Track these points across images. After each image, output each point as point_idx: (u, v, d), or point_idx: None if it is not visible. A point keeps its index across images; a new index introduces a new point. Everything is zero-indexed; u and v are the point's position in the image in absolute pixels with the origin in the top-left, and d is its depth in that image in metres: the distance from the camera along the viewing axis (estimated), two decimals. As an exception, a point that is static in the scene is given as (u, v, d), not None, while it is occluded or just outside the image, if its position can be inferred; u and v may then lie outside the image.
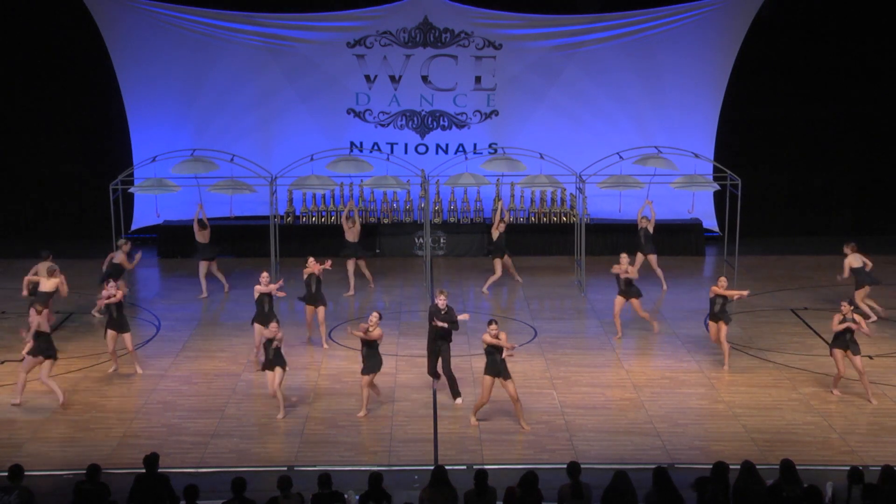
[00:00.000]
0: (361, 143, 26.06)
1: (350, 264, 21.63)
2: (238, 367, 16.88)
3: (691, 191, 23.06)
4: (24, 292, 18.26)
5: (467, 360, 17.26)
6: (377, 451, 13.68)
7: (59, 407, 15.09)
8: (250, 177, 22.13)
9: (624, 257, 18.63)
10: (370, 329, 14.79)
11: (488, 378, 14.29)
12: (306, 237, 24.83)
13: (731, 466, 12.19)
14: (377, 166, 23.29)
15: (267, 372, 15.07)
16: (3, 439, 14.05)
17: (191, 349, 17.95)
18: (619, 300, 18.44)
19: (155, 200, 23.28)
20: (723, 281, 17.00)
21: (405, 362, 17.15)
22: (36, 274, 18.23)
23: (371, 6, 25.22)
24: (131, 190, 22.95)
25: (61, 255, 22.71)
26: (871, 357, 17.26)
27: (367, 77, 25.76)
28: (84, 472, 11.46)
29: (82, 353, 17.65)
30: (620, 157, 22.58)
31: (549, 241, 25.21)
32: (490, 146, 26.02)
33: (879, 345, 17.93)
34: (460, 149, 26.02)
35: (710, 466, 11.45)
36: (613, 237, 25.13)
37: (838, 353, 15.49)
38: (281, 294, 17.09)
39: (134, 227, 26.15)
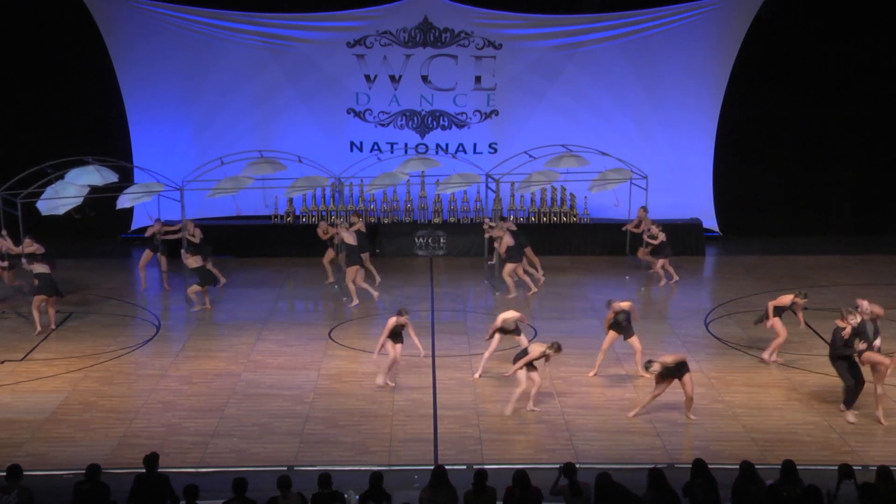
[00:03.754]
0: (361, 143, 26.07)
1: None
2: (238, 367, 16.87)
3: (608, 189, 23.18)
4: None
5: (467, 359, 17.25)
6: (377, 451, 13.68)
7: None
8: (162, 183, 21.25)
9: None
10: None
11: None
12: (306, 237, 24.85)
13: (730, 467, 12.24)
14: (291, 168, 22.57)
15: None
16: (3, 439, 14.04)
17: (191, 349, 17.94)
18: None
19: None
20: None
21: (405, 362, 17.12)
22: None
23: (371, 6, 25.24)
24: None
25: (61, 255, 22.74)
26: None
27: (367, 77, 25.77)
28: (84, 472, 11.46)
29: (82, 353, 17.64)
30: (530, 155, 22.75)
31: (549, 241, 25.21)
32: (490, 146, 26.04)
33: (878, 345, 17.91)
34: (460, 149, 26.06)
35: (713, 467, 11.46)
36: (613, 236, 25.14)
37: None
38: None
39: (134, 227, 26.17)
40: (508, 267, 21.07)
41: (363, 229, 21.88)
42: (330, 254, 22.13)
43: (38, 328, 18.49)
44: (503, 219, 22.76)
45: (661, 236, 22.14)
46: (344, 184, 22.31)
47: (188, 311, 20.24)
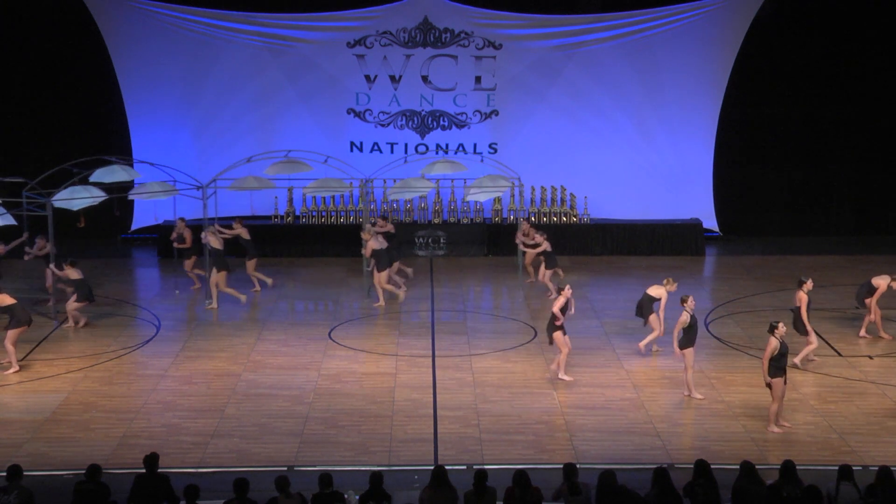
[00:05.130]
0: (361, 143, 26.07)
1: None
2: (238, 367, 16.87)
3: (482, 199, 23.16)
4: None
5: (467, 359, 17.26)
6: (377, 452, 13.68)
7: None
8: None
9: None
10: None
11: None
12: (306, 237, 24.88)
13: (730, 467, 12.24)
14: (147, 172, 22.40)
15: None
16: (3, 439, 14.04)
17: (191, 349, 17.94)
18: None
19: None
20: None
21: (405, 362, 17.15)
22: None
23: (371, 6, 25.23)
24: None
25: (61, 255, 22.73)
26: (871, 357, 17.27)
27: (367, 77, 25.77)
28: (84, 472, 11.45)
29: (82, 353, 17.64)
30: (406, 160, 23.16)
31: (550, 240, 25.15)
32: (490, 146, 26.05)
33: (880, 345, 17.94)
34: (460, 149, 26.06)
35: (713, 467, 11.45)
36: (613, 236, 25.18)
37: None
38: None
39: (134, 227, 26.18)
40: (381, 275, 20.32)
41: (246, 236, 21.43)
42: (193, 260, 21.68)
43: (16, 367, 16.64)
44: (384, 218, 22.65)
45: (546, 244, 21.08)
46: (207, 187, 21.53)
47: (187, 312, 20.27)
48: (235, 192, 21.91)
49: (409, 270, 22.32)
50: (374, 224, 21.86)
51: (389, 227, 22.23)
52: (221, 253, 20.26)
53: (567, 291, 16.17)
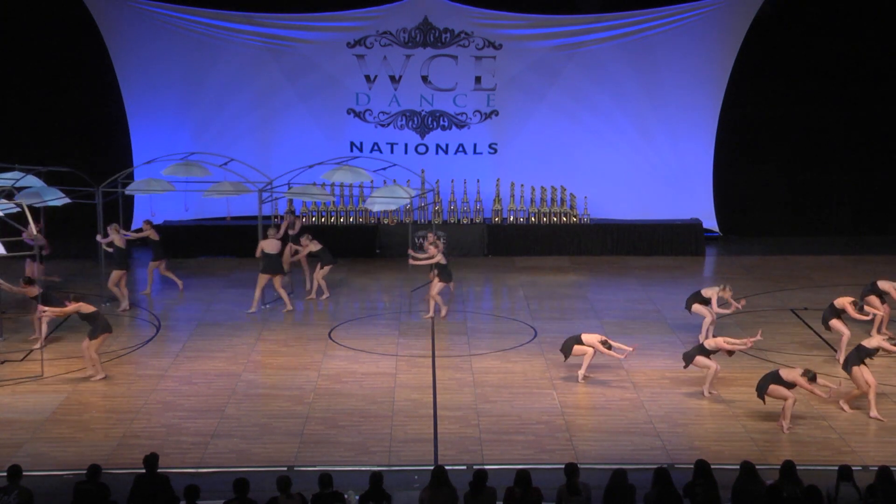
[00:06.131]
0: (361, 144, 26.07)
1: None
2: (238, 367, 16.87)
3: (391, 208, 23.07)
4: None
5: (467, 359, 17.25)
6: (377, 452, 13.68)
7: None
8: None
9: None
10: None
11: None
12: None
13: (730, 467, 12.24)
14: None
15: None
16: (3, 439, 14.03)
17: (191, 349, 17.94)
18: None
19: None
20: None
21: (405, 362, 17.15)
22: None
23: (371, 6, 25.26)
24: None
25: (61, 255, 22.74)
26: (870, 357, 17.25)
27: (367, 77, 25.79)
28: (84, 472, 11.46)
29: (82, 353, 17.58)
30: (307, 167, 22.56)
31: (549, 241, 25.22)
32: (490, 146, 26.05)
33: (879, 345, 17.93)
34: (460, 149, 26.07)
35: (713, 467, 11.46)
36: (613, 236, 25.18)
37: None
38: None
39: (133, 227, 26.13)
40: (272, 278, 20.00)
41: (155, 237, 21.32)
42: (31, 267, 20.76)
43: (101, 373, 16.34)
44: (295, 216, 22.46)
45: (440, 257, 19.64)
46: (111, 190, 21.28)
47: (187, 312, 20.27)
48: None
49: (324, 296, 21.26)
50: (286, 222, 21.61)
51: (293, 225, 21.89)
52: (124, 252, 20.22)
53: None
